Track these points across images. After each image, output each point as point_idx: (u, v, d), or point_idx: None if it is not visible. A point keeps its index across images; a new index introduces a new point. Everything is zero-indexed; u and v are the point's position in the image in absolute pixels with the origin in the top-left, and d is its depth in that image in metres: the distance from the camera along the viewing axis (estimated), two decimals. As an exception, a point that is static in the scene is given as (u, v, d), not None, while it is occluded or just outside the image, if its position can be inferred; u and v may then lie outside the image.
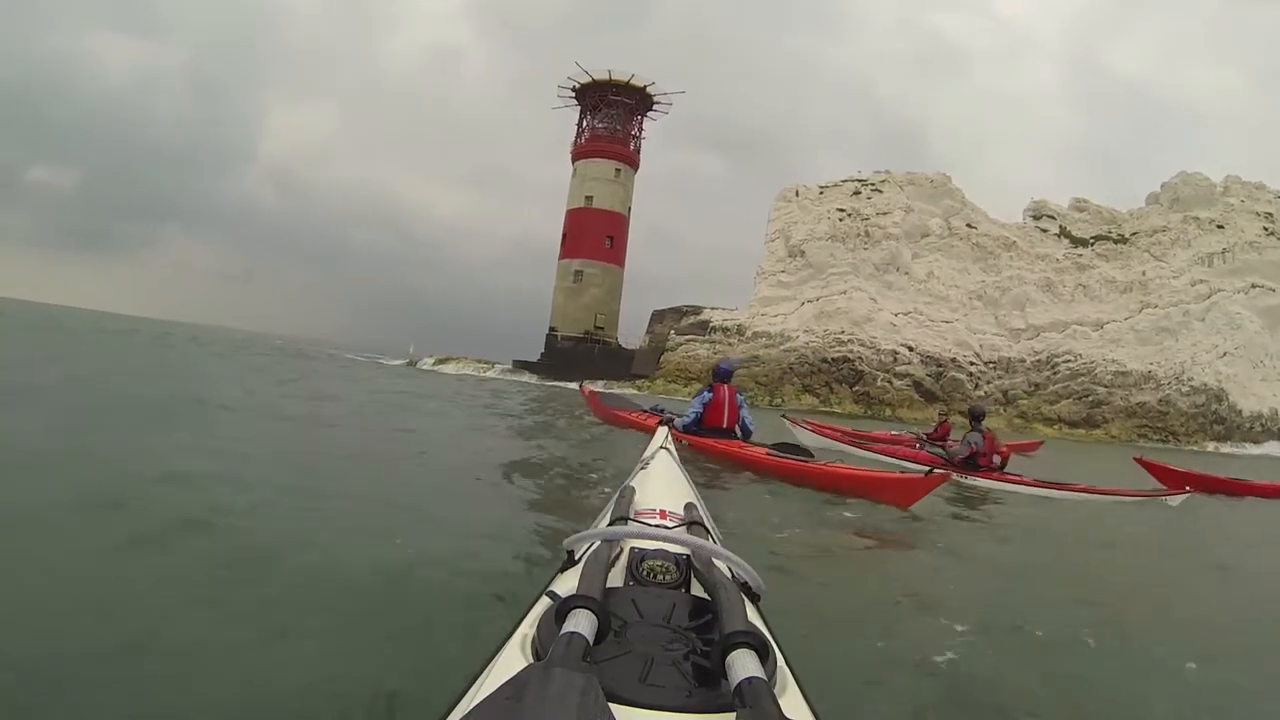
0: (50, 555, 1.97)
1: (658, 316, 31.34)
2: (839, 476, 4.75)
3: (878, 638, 1.85)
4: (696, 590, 0.89)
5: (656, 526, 1.12)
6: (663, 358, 28.74)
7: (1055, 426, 29.07)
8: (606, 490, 3.56)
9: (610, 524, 1.12)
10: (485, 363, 32.03)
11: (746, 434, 5.76)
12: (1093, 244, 33.27)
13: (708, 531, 1.16)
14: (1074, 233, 33.41)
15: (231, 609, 1.74)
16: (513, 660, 0.72)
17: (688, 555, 0.95)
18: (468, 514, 2.95)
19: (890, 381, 27.95)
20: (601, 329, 31.41)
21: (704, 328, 28.92)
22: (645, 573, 0.92)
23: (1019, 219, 33.62)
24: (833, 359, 27.66)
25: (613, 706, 0.57)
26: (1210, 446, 29.49)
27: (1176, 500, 6.63)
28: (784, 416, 9.09)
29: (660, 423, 1.86)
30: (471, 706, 0.60)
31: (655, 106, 33.68)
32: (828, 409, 25.90)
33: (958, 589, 2.62)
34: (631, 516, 1.17)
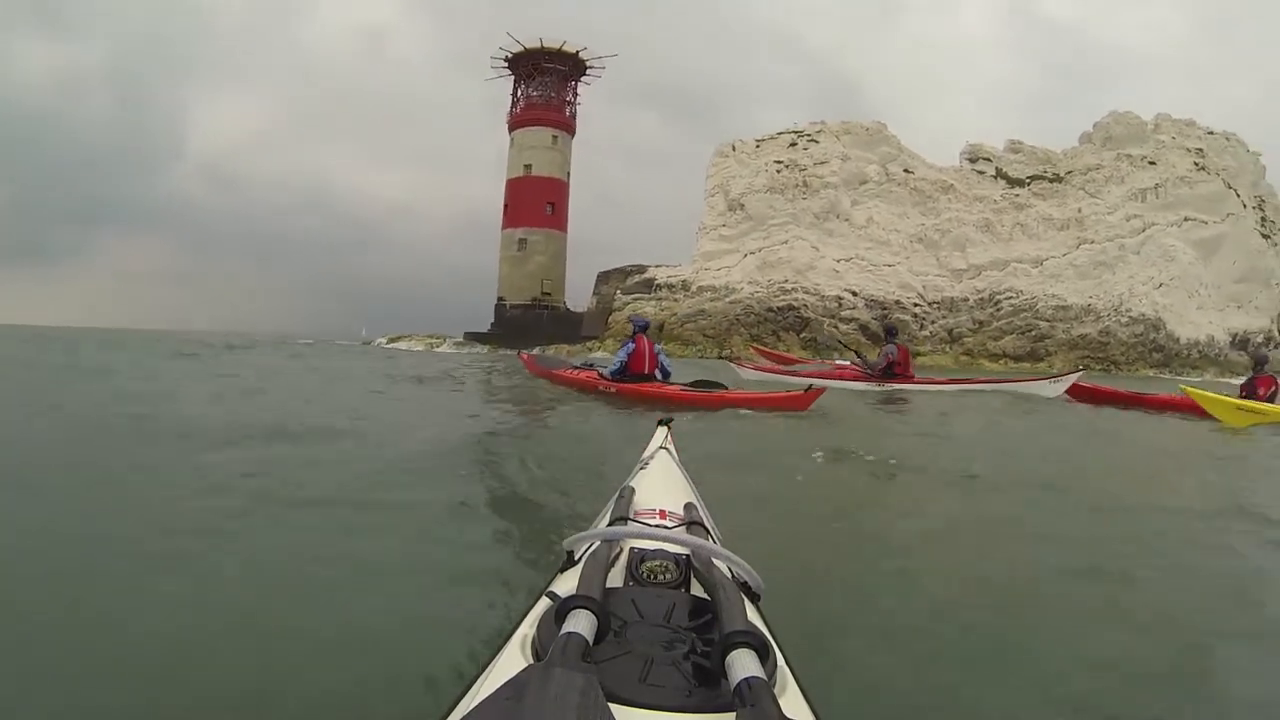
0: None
1: (603, 278, 31.27)
2: (741, 400, 6.03)
3: (875, 630, 1.78)
4: (696, 590, 0.88)
5: (656, 526, 1.12)
6: (610, 318, 28.71)
7: (1001, 362, 29.63)
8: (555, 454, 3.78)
9: (610, 524, 1.12)
10: (437, 337, 31.79)
11: (666, 375, 6.76)
12: (1029, 184, 33.88)
13: (708, 531, 1.16)
14: (1010, 174, 33.99)
15: (227, 609, 1.72)
16: (512, 660, 0.71)
17: (687, 555, 0.94)
18: (456, 506, 2.81)
19: (836, 326, 28.25)
20: (549, 294, 31.29)
21: (649, 286, 28.95)
22: (645, 573, 0.91)
23: (956, 163, 34.11)
24: (778, 308, 27.86)
25: (612, 706, 0.57)
26: (1150, 374, 30.31)
27: (1059, 386, 7.40)
28: (725, 357, 9.68)
29: (660, 423, 1.83)
30: (471, 707, 0.60)
31: (589, 71, 33.50)
32: (760, 346, 26.18)
33: (949, 561, 2.45)
34: (631, 516, 1.16)
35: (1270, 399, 7.19)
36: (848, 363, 10.82)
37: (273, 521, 2.44)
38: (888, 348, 8.48)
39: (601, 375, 6.99)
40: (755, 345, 20.47)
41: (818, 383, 7.28)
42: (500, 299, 31.80)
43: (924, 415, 6.64)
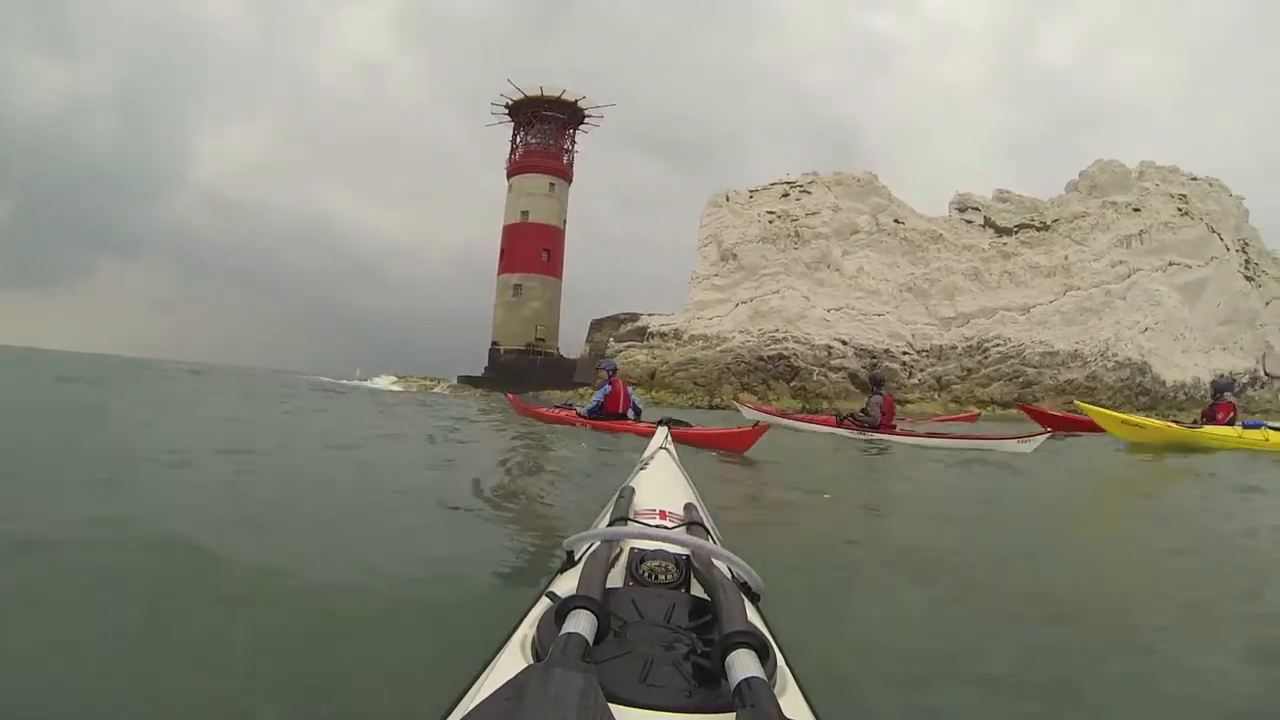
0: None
1: (596, 325, 31.71)
2: (696, 436, 6.39)
3: (876, 630, 1.82)
4: (696, 590, 0.88)
5: (656, 527, 1.12)
6: (610, 355, 29.10)
7: (988, 408, 30.04)
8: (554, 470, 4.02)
9: (610, 524, 1.12)
10: (431, 380, 32.07)
11: (637, 413, 7.50)
12: (1016, 232, 34.54)
13: (707, 532, 1.16)
14: (998, 222, 34.66)
15: (231, 614, 1.74)
16: (512, 661, 0.72)
17: (687, 555, 0.94)
18: (459, 518, 2.92)
19: (826, 375, 28.64)
20: (543, 340, 31.69)
21: (642, 334, 29.36)
22: (645, 573, 0.91)
23: (945, 213, 34.79)
24: (768, 357, 28.26)
25: (612, 707, 0.57)
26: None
27: (1031, 444, 7.63)
28: (734, 400, 10.25)
29: (660, 422, 1.98)
30: (471, 707, 0.61)
31: (587, 119, 34.24)
32: (765, 403, 26.55)
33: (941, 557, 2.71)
34: (631, 517, 1.17)
35: (1230, 423, 7.79)
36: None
37: (269, 533, 2.49)
38: (875, 399, 9.02)
39: (579, 414, 7.59)
40: (760, 406, 20.88)
41: (764, 419, 7.97)
42: (495, 343, 32.21)
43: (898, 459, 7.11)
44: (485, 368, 32.10)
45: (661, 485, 1.49)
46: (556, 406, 8.90)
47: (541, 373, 30.30)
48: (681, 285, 31.08)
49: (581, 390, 29.02)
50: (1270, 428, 7.75)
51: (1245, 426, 7.74)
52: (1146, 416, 9.72)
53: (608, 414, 7.35)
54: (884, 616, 1.95)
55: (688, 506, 1.29)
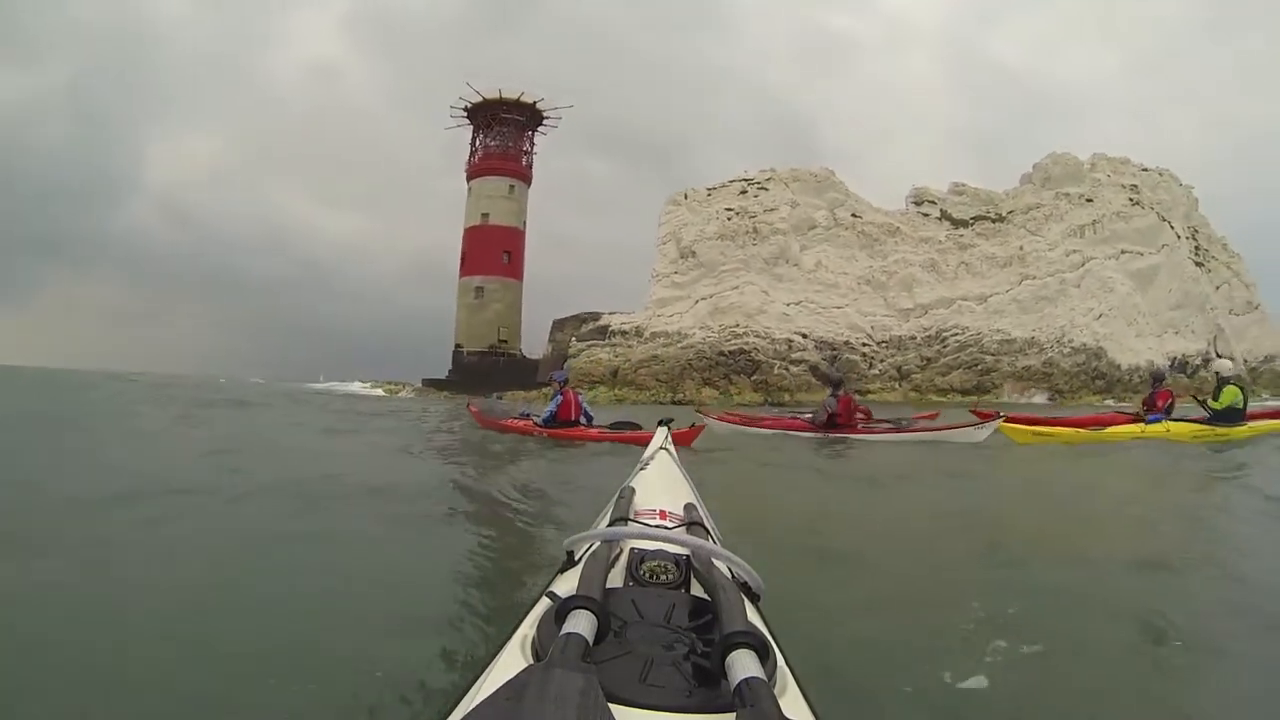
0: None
1: (558, 325, 31.78)
2: (642, 438, 6.60)
3: (877, 634, 1.83)
4: (696, 590, 0.88)
5: (656, 527, 1.12)
6: (566, 364, 29.11)
7: (948, 396, 30.53)
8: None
9: (610, 524, 1.12)
10: (396, 384, 31.93)
11: (589, 419, 7.93)
12: (972, 224, 35.23)
13: (708, 532, 1.16)
14: (954, 215, 35.30)
15: (229, 616, 1.77)
16: (513, 661, 0.72)
17: (687, 555, 0.94)
18: (452, 521, 3.00)
19: (787, 369, 28.93)
20: (505, 342, 31.71)
21: (604, 332, 29.46)
22: (645, 573, 0.91)
23: (902, 206, 35.37)
24: (729, 352, 28.49)
25: (612, 707, 0.57)
26: (1094, 400, 31.38)
27: (984, 431, 8.06)
28: (698, 411, 10.41)
29: (660, 423, 1.94)
30: (472, 707, 0.61)
31: (545, 121, 34.37)
32: (728, 399, 26.73)
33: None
34: (631, 517, 1.17)
35: (1169, 409, 8.05)
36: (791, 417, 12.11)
37: (276, 543, 2.55)
38: (828, 400, 9.12)
39: (536, 423, 8.04)
40: (723, 414, 21.07)
41: (700, 420, 8.34)
42: (458, 346, 32.17)
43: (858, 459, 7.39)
44: (449, 370, 32.05)
45: (661, 485, 1.49)
46: (515, 417, 9.35)
47: (505, 373, 30.30)
48: (642, 284, 31.29)
49: (545, 390, 29.06)
50: (1177, 420, 8.03)
51: (1147, 422, 8.02)
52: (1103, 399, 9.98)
53: (561, 422, 7.80)
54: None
55: (688, 507, 1.29)
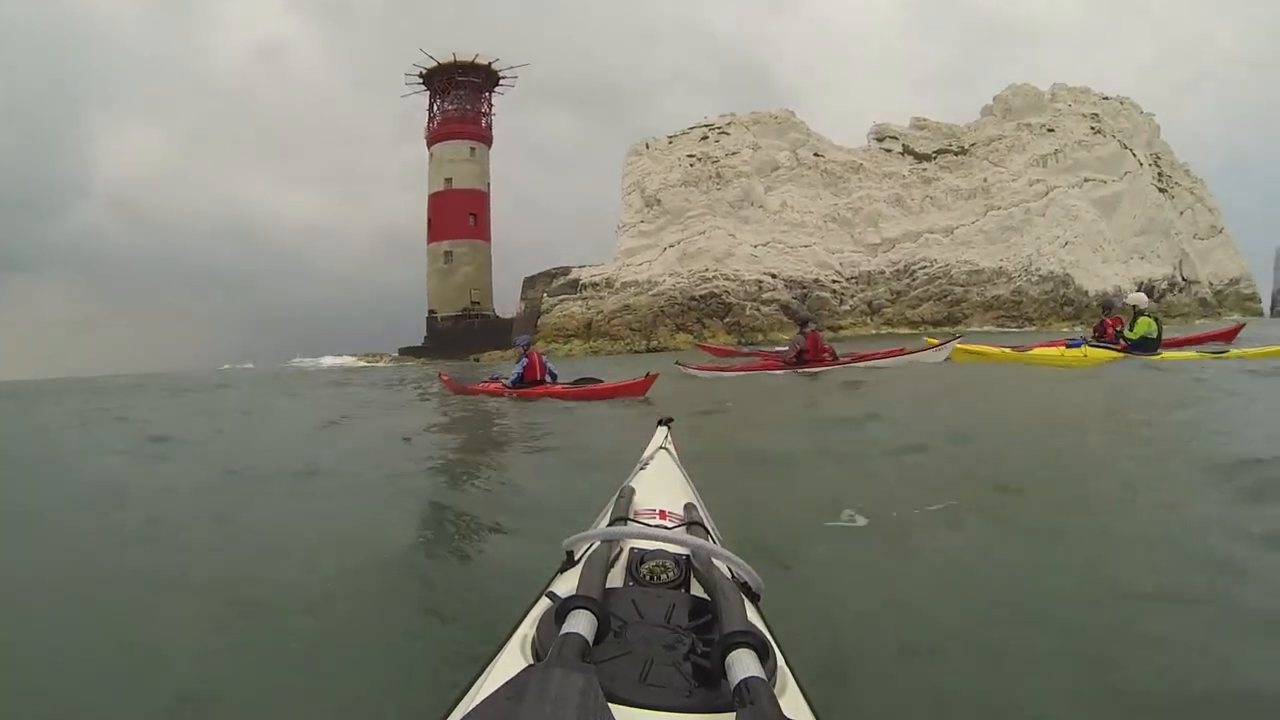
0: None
1: (529, 282, 31.78)
2: (600, 390, 7.65)
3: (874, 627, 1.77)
4: (696, 590, 0.88)
5: (656, 527, 1.12)
6: (540, 320, 29.22)
7: (920, 328, 30.95)
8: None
9: (609, 524, 1.12)
10: (374, 355, 31.95)
11: (554, 378, 8.44)
12: (935, 158, 35.42)
13: (708, 532, 1.16)
14: (916, 149, 35.46)
15: (225, 612, 1.76)
16: (512, 661, 0.72)
17: (687, 555, 0.94)
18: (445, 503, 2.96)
19: (759, 309, 29.18)
20: (478, 304, 31.70)
21: (575, 286, 29.53)
22: (645, 573, 0.91)
23: (864, 143, 35.48)
24: (700, 296, 28.67)
25: (612, 707, 0.57)
26: (1063, 326, 31.92)
27: (942, 353, 8.82)
28: (677, 364, 10.54)
29: (660, 422, 1.93)
30: (471, 707, 0.61)
31: (502, 81, 34.07)
32: (702, 343, 27.01)
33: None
34: (631, 517, 1.17)
35: (1118, 335, 8.44)
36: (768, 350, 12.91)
37: (263, 545, 2.53)
38: (796, 338, 9.59)
39: (505, 386, 8.56)
40: (700, 344, 21.49)
41: (705, 376, 9.07)
42: (431, 312, 32.14)
43: (829, 391, 7.75)
44: (425, 337, 32.05)
45: (661, 485, 1.49)
46: (486, 380, 9.87)
47: (480, 335, 30.34)
48: (610, 235, 31.30)
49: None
50: (1095, 346, 8.44)
51: (1068, 346, 8.39)
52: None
53: (528, 382, 8.31)
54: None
55: (688, 506, 1.29)
